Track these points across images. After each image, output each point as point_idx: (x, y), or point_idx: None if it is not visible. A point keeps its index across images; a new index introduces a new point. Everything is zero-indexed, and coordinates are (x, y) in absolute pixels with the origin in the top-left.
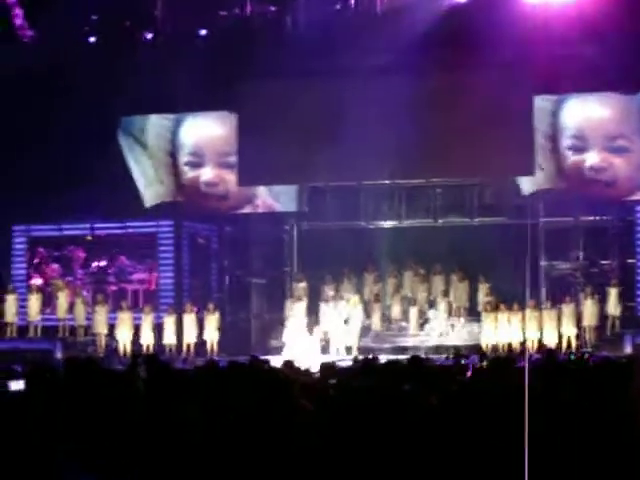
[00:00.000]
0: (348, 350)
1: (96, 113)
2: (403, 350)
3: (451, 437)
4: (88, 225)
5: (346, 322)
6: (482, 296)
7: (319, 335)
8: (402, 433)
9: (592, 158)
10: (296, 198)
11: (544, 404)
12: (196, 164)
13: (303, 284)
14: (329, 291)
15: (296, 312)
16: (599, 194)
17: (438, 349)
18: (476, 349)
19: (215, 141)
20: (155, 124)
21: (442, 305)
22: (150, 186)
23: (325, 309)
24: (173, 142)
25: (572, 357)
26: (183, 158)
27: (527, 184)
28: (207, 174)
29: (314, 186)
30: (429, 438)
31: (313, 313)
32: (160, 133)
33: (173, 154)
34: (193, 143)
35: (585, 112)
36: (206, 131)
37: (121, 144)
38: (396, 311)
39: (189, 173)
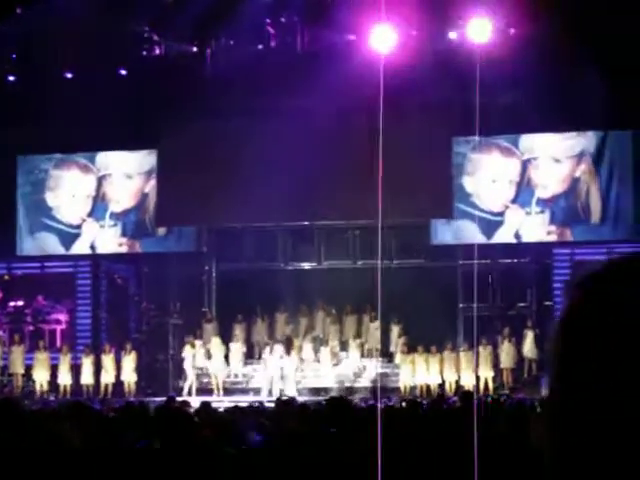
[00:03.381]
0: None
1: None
2: (317, 391)
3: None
4: (5, 265)
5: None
6: (395, 337)
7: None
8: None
9: None
10: (195, 238)
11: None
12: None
13: (212, 324)
14: (239, 332)
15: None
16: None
17: (351, 390)
18: (391, 391)
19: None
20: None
21: (354, 346)
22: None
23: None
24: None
25: (489, 399)
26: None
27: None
28: None
29: (225, 227)
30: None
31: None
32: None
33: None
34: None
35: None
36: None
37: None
38: (308, 352)
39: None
